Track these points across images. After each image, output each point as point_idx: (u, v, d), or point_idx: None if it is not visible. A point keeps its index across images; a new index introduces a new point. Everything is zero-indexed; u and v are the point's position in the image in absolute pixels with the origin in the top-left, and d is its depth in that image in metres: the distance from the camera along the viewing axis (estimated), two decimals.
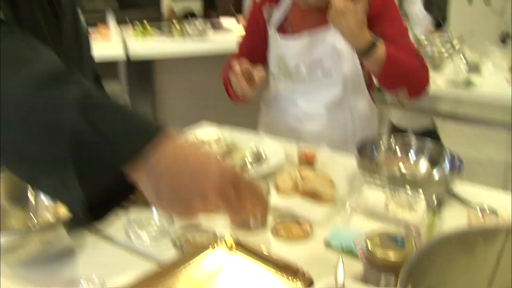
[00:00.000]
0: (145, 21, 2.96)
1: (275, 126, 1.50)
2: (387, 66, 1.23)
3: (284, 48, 1.41)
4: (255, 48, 1.49)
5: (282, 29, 1.42)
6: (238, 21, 3.20)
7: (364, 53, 1.23)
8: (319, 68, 1.38)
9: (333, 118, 1.42)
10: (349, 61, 1.36)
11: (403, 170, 1.15)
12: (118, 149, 0.51)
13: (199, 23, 2.90)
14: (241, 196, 0.57)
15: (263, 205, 0.64)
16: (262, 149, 1.20)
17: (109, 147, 0.51)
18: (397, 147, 1.19)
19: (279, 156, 1.17)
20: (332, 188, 1.00)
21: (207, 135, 1.28)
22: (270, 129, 1.51)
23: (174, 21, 3.03)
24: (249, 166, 1.14)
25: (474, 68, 2.35)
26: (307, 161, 1.15)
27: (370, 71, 1.36)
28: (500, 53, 2.52)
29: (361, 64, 1.35)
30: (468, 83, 2.21)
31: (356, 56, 1.33)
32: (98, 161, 0.51)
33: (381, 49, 1.23)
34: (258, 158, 1.18)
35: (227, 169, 0.56)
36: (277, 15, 1.43)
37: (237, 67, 1.23)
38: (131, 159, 0.52)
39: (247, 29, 1.55)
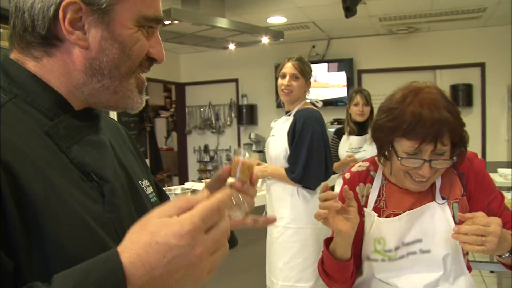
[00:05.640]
0: None
1: None
2: None
3: (384, 228, 1.34)
4: None
5: (377, 208, 1.37)
6: None
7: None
8: (418, 247, 1.33)
9: None
10: (448, 240, 1.29)
11: None
12: None
13: None
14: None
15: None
16: None
17: None
18: None
19: None
20: None
21: None
22: None
23: None
24: None
25: None
26: None
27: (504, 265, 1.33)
28: None
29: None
30: None
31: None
32: None
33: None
34: None
35: (174, 224, 0.56)
36: (372, 195, 1.38)
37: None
38: None
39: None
